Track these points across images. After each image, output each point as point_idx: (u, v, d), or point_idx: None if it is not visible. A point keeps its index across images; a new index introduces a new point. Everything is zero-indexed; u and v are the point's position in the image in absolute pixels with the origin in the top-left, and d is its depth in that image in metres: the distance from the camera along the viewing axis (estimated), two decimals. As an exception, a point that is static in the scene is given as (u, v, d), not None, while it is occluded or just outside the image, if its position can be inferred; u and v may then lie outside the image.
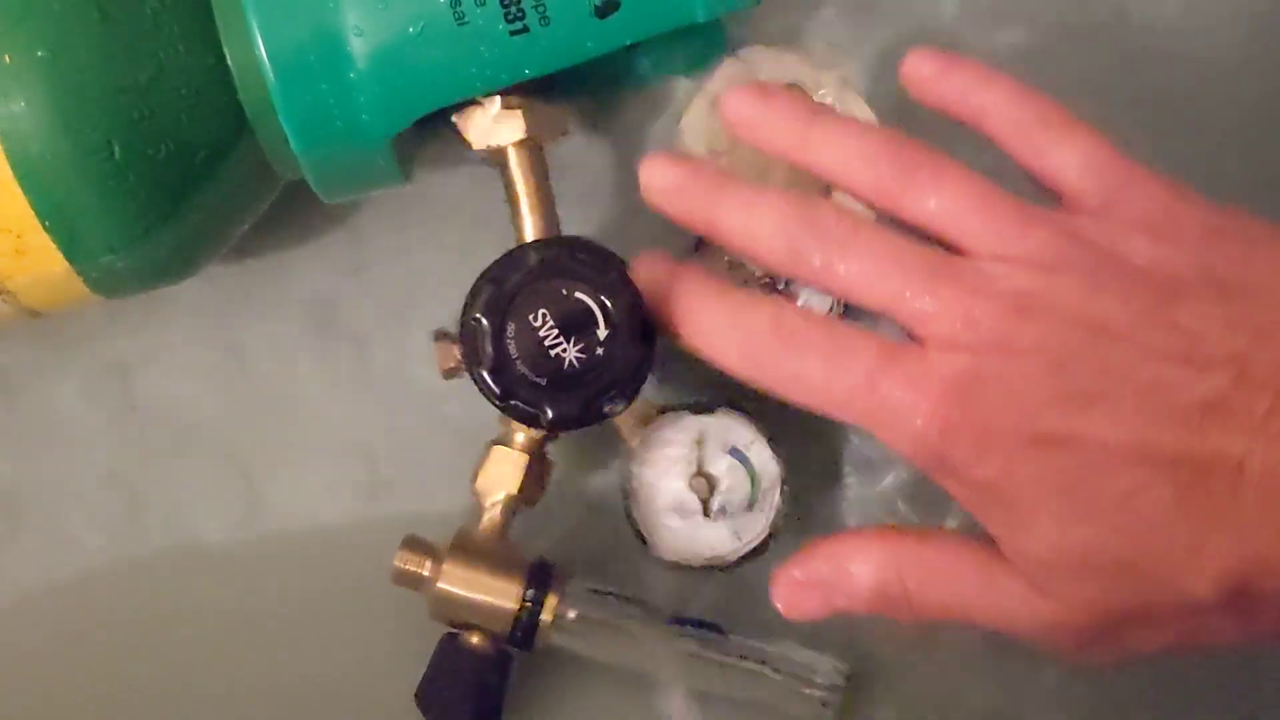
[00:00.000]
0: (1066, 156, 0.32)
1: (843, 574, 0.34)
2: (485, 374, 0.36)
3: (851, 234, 0.32)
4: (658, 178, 0.35)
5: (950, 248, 0.32)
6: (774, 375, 0.32)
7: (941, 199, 0.32)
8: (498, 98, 0.40)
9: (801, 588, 0.34)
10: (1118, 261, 0.31)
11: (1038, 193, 0.33)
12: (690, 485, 0.41)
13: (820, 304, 0.41)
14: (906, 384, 0.31)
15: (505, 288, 0.36)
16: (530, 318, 0.36)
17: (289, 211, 0.44)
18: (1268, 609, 0.30)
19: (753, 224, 0.33)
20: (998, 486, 0.30)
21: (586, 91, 0.44)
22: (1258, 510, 0.29)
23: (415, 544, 0.41)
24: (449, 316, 0.39)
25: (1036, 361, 0.30)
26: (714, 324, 0.33)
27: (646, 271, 0.35)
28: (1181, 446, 0.29)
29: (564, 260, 0.36)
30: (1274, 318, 0.30)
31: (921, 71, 0.34)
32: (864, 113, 0.41)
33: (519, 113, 0.40)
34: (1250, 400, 0.29)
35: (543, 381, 0.36)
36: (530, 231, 0.40)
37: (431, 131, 0.40)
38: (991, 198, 0.32)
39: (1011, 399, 0.30)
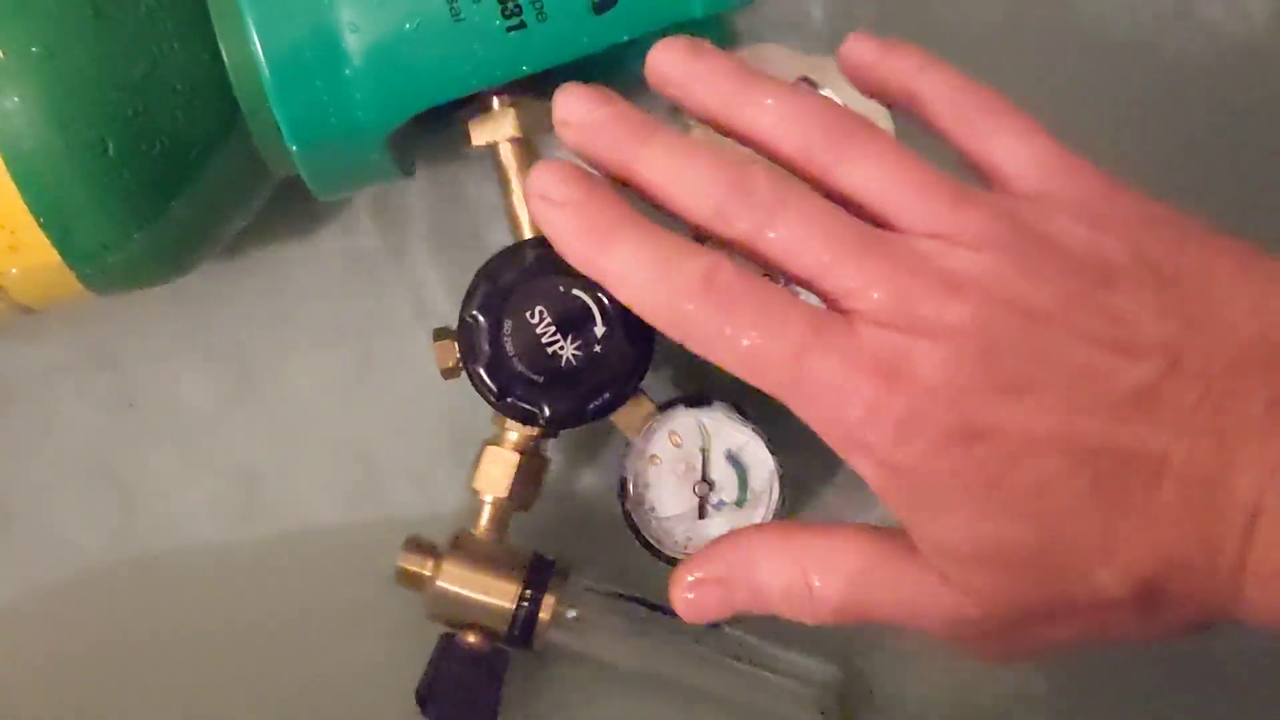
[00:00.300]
0: (1005, 142, 0.32)
1: (745, 573, 0.32)
2: (481, 371, 0.36)
3: (782, 199, 0.30)
4: (576, 111, 0.32)
5: (879, 223, 0.31)
6: (698, 335, 0.30)
7: (873, 170, 0.30)
8: (493, 94, 0.40)
9: (701, 587, 0.33)
10: (1052, 245, 0.30)
11: (972, 179, 0.32)
12: (689, 483, 0.41)
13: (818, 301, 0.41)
14: (833, 359, 0.29)
15: (501, 284, 0.36)
16: (527, 315, 0.36)
17: (285, 208, 0.44)
18: (1175, 607, 0.29)
19: (679, 177, 0.31)
20: (915, 473, 0.29)
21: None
22: (1174, 506, 0.28)
23: (418, 544, 0.41)
24: (449, 315, 0.39)
25: (966, 344, 0.29)
26: (634, 269, 0.31)
27: (556, 188, 0.31)
28: (1106, 436, 0.28)
29: (559, 257, 0.36)
30: (1206, 308, 0.29)
31: (860, 57, 0.33)
32: (869, 105, 0.41)
33: (513, 110, 0.40)
34: (1180, 391, 0.28)
35: (540, 379, 0.36)
36: (526, 229, 0.40)
37: (428, 127, 0.40)
38: (925, 173, 0.30)
39: (938, 383, 0.29)
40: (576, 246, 0.31)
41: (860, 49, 0.33)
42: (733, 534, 0.33)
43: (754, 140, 0.32)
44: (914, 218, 0.30)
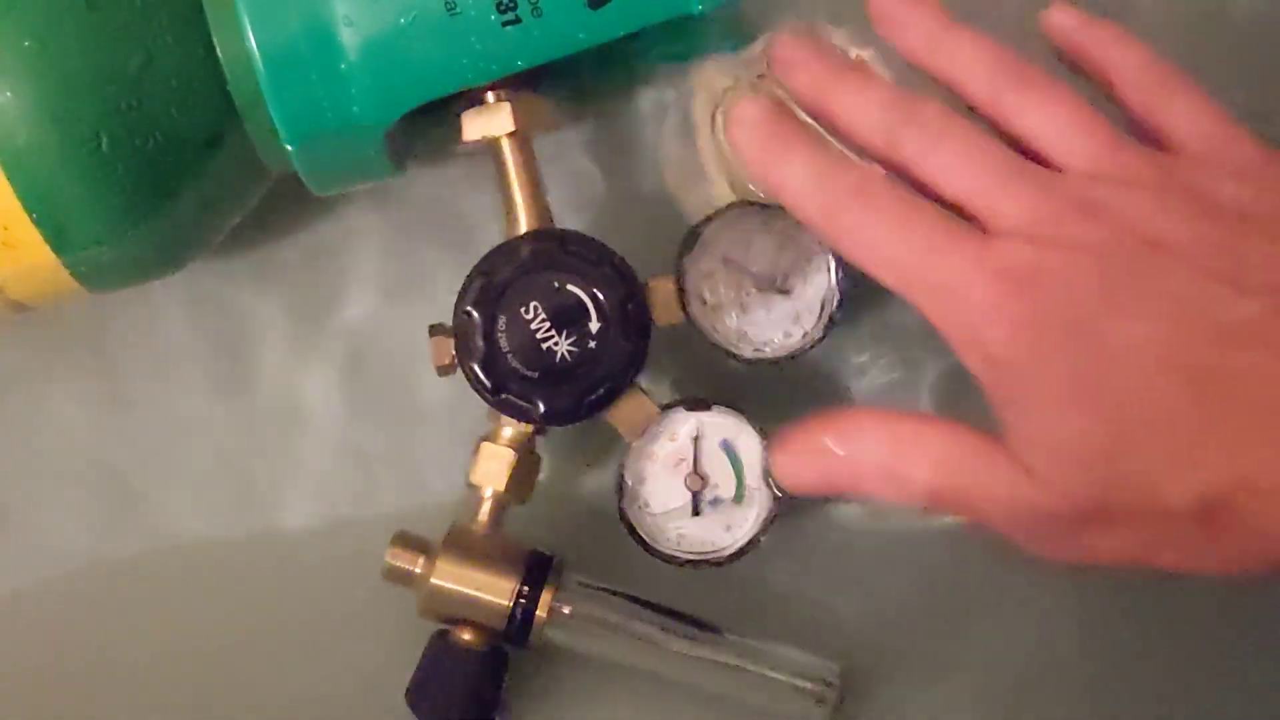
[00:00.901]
0: (1178, 111, 0.35)
1: (845, 447, 0.35)
2: (476, 368, 0.36)
3: (948, 129, 0.34)
4: (786, 51, 0.37)
5: (1041, 164, 0.34)
6: (844, 233, 0.34)
7: (1050, 113, 0.34)
8: (489, 90, 0.40)
9: (801, 456, 0.35)
10: (1196, 193, 0.33)
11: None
12: (686, 482, 0.41)
13: (816, 291, 0.41)
14: (966, 261, 0.32)
15: (496, 280, 0.36)
16: (522, 311, 0.36)
17: (280, 204, 0.44)
18: (1237, 531, 0.31)
19: (860, 106, 0.35)
20: (1021, 371, 0.32)
21: (579, 83, 0.44)
22: (1261, 429, 0.30)
23: (406, 539, 0.41)
24: (444, 312, 0.39)
25: (1093, 262, 0.32)
26: (802, 176, 0.35)
27: (752, 112, 0.36)
28: (1205, 359, 0.31)
29: (555, 252, 0.36)
30: None
31: (1063, 24, 0.37)
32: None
33: (509, 105, 0.40)
34: None
35: (534, 375, 0.36)
36: (522, 224, 0.40)
37: (424, 123, 0.40)
38: (1097, 120, 0.34)
39: (1058, 293, 0.32)
40: (759, 156, 0.36)
41: (1063, 18, 0.37)
42: (833, 412, 0.36)
43: (949, 78, 0.36)
44: (1077, 157, 0.33)
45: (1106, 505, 0.31)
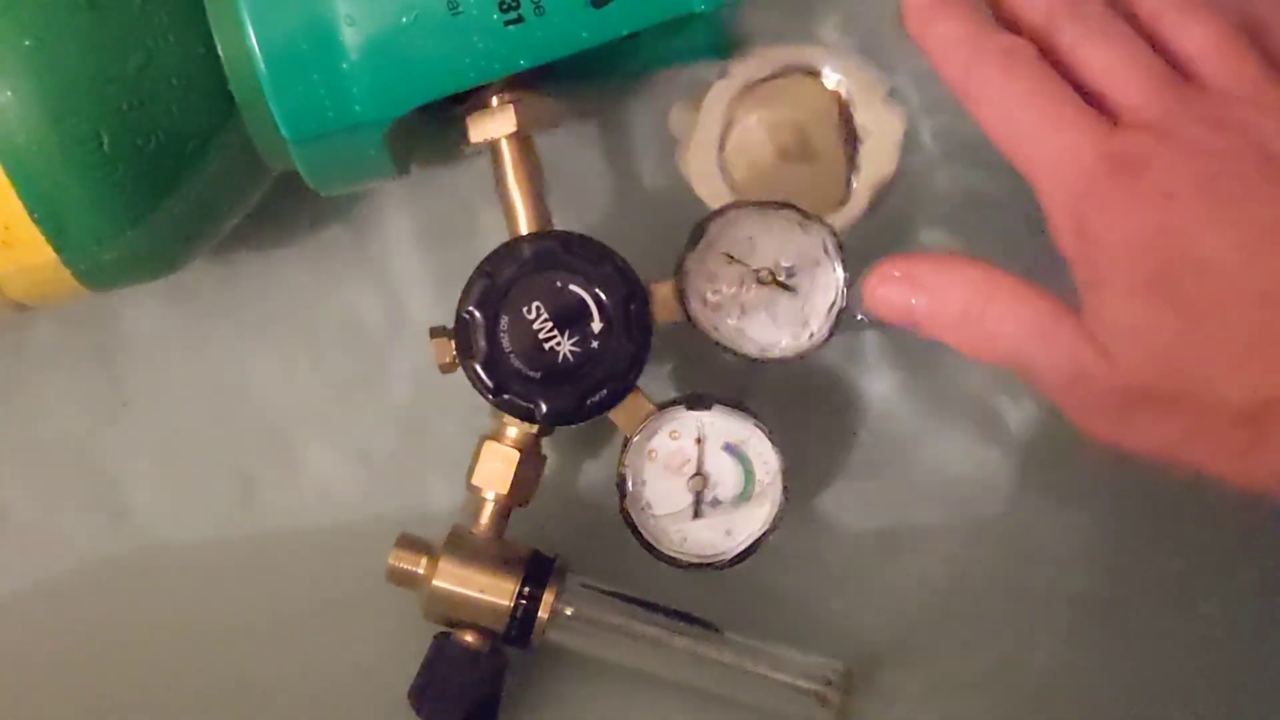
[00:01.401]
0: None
1: (935, 283, 0.36)
2: (478, 367, 0.36)
3: (1107, 24, 0.36)
4: None
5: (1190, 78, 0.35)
6: (979, 90, 0.36)
7: (1207, 34, 0.35)
8: (491, 92, 0.40)
9: (892, 285, 0.36)
10: None
11: None
12: (688, 483, 0.41)
13: (823, 301, 0.41)
14: (1085, 139, 0.34)
15: (499, 281, 0.36)
16: (524, 310, 0.36)
17: (281, 204, 0.44)
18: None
19: None
20: (1114, 253, 0.33)
21: (581, 84, 0.43)
22: None
23: (410, 542, 0.41)
24: (445, 312, 0.39)
25: (1205, 163, 0.33)
26: (953, 31, 0.36)
27: None
28: None
29: (558, 252, 0.36)
30: None
31: None
32: (882, 96, 0.42)
33: (511, 106, 0.40)
34: None
35: (537, 375, 0.36)
36: (523, 225, 0.39)
37: (425, 123, 0.40)
38: (1248, 51, 0.35)
39: (1167, 184, 0.33)
40: (917, 14, 0.37)
41: None
42: (933, 252, 0.37)
43: None
44: (1222, 79, 0.35)
45: (1165, 390, 0.33)
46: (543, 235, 0.38)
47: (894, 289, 0.37)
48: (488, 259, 0.37)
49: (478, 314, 0.36)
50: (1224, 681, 0.44)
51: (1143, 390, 0.33)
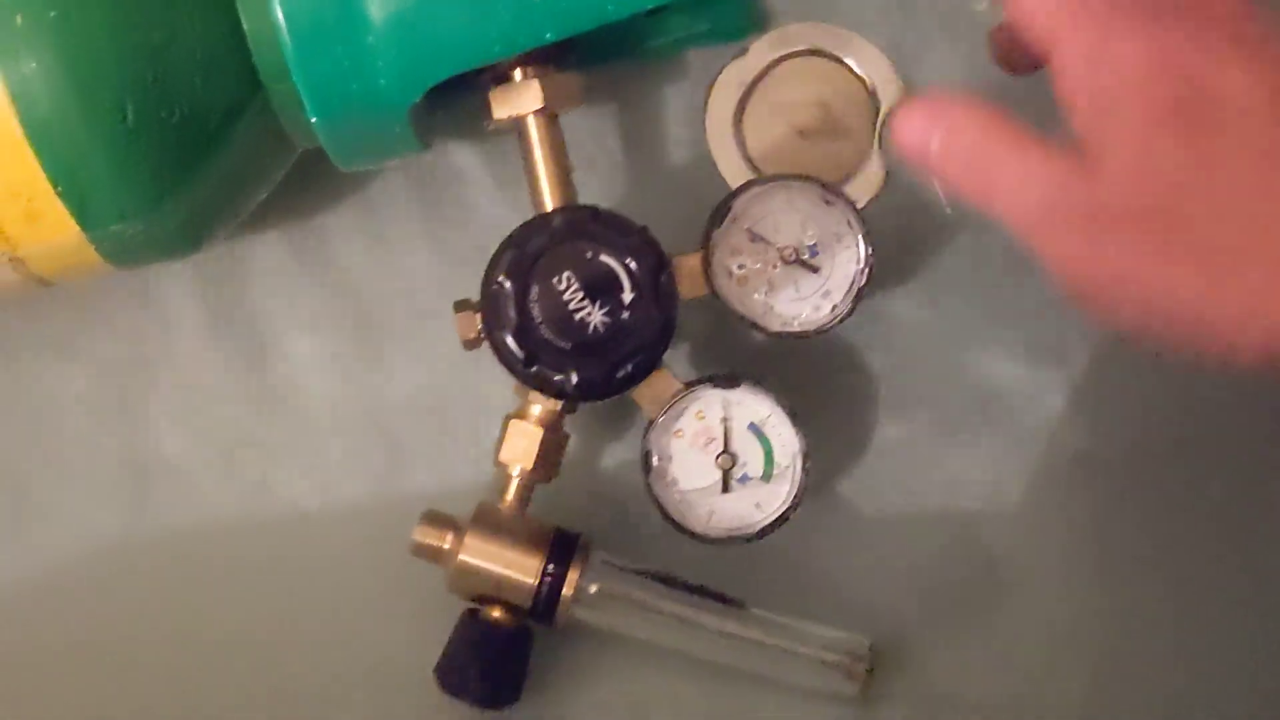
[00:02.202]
0: None
1: (956, 120, 0.34)
2: (508, 338, 0.36)
3: None
4: None
5: None
6: None
7: None
8: (516, 67, 0.40)
9: (916, 119, 0.34)
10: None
11: None
12: (716, 462, 0.40)
13: (845, 276, 0.41)
14: (1092, 25, 0.33)
15: (528, 250, 0.36)
16: (554, 281, 0.36)
17: (303, 182, 0.43)
18: (1243, 290, 0.31)
19: None
20: (1135, 85, 0.32)
21: (607, 61, 0.43)
22: None
23: (435, 518, 0.41)
24: (468, 288, 0.39)
25: (1233, 10, 0.32)
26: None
27: None
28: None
29: (587, 223, 0.36)
30: None
31: None
32: (888, 77, 0.42)
33: (536, 82, 0.39)
34: None
35: (567, 346, 0.36)
36: (549, 201, 0.39)
37: (449, 98, 0.40)
38: None
39: (1195, 30, 0.32)
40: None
41: None
42: (964, 96, 0.35)
43: None
44: None
45: (1151, 210, 0.32)
46: (571, 207, 0.38)
47: (915, 126, 0.35)
48: (516, 232, 0.37)
49: (508, 284, 0.36)
50: (1228, 653, 0.44)
51: (1130, 207, 0.32)
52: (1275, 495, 0.45)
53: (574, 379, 0.36)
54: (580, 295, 0.36)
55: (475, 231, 0.45)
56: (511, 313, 0.36)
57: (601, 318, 0.36)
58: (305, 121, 0.38)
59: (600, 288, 0.36)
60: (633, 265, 0.35)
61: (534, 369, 0.36)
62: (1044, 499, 0.45)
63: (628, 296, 0.36)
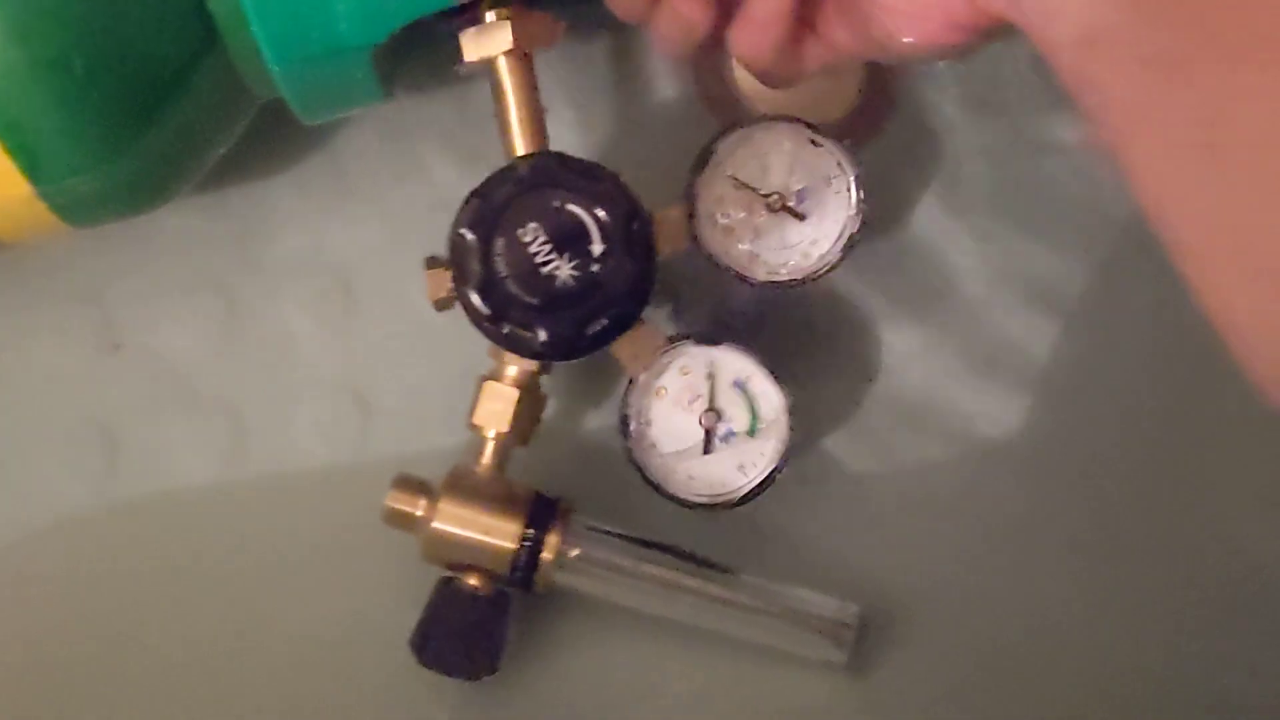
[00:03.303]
0: None
1: None
2: (473, 295, 0.34)
3: None
4: None
5: None
6: None
7: None
8: (485, 7, 0.38)
9: None
10: None
11: None
12: (701, 420, 0.39)
13: (835, 221, 0.39)
14: None
15: (493, 201, 0.34)
16: (520, 233, 0.34)
17: (267, 137, 0.42)
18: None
19: None
20: None
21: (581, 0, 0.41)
22: None
23: (407, 482, 0.39)
24: (441, 246, 0.37)
25: None
26: None
27: None
28: None
29: (555, 170, 0.34)
30: None
31: None
32: None
33: (507, 22, 0.38)
34: None
35: (535, 301, 0.34)
36: (520, 145, 0.38)
37: (416, 42, 0.38)
38: None
39: None
40: None
41: None
42: None
43: None
44: None
45: None
46: (538, 155, 0.36)
47: None
48: (484, 182, 0.35)
49: (470, 236, 0.34)
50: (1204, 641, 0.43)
51: None
52: None
53: (542, 336, 0.34)
54: (548, 247, 0.34)
55: (447, 179, 0.43)
56: (476, 266, 0.34)
57: (570, 271, 0.34)
58: (264, 71, 0.37)
59: (568, 239, 0.34)
60: (602, 215, 0.34)
61: (501, 326, 0.34)
62: (1045, 462, 0.43)
63: (597, 248, 0.34)
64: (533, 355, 0.36)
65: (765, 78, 0.35)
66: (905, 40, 0.32)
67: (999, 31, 0.31)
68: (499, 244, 0.34)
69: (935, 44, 0.32)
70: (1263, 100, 0.27)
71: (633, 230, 0.33)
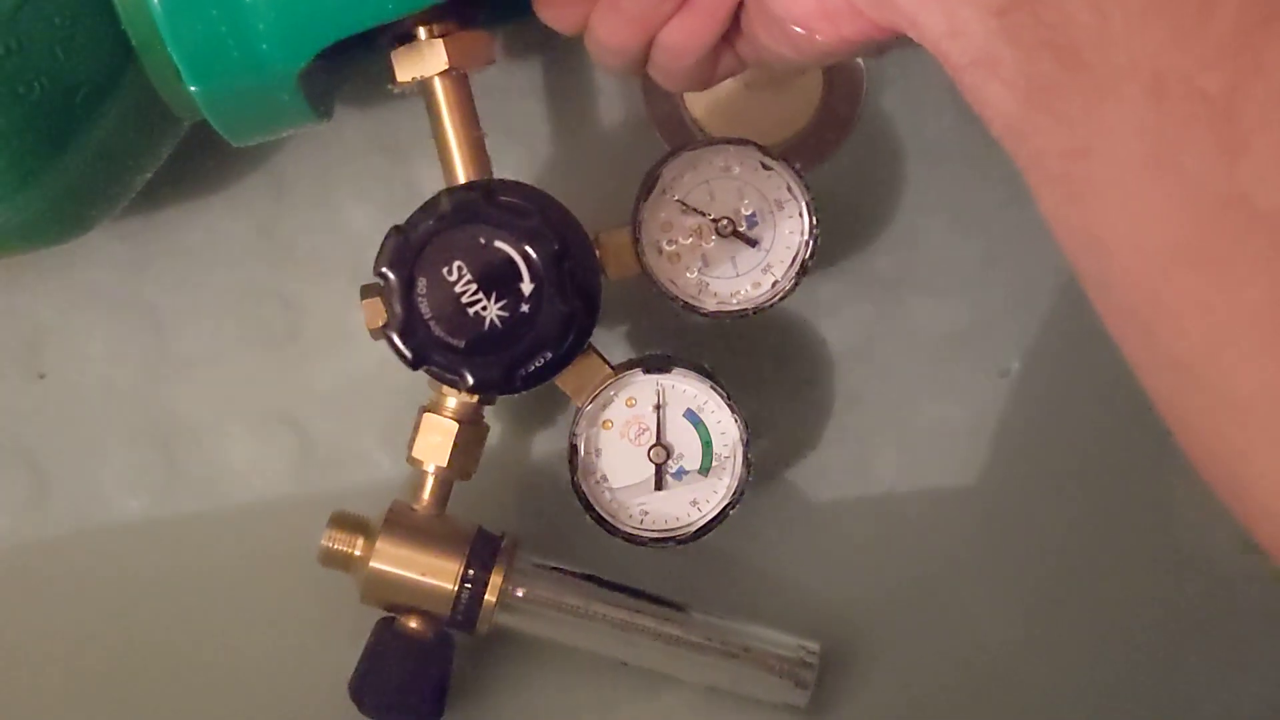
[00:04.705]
0: None
1: None
2: (394, 336, 0.32)
3: None
4: None
5: None
6: None
7: None
8: (419, 25, 0.36)
9: None
10: None
11: None
12: (649, 455, 0.37)
13: (787, 247, 0.37)
14: None
15: (413, 238, 0.32)
16: (444, 271, 0.32)
17: (201, 157, 0.40)
18: None
19: None
20: None
21: (519, 18, 0.39)
22: None
23: (344, 520, 0.38)
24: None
25: None
26: None
27: None
28: None
29: (480, 204, 0.32)
30: None
31: None
32: None
33: (440, 41, 0.36)
34: None
35: (460, 344, 0.32)
36: (459, 170, 0.36)
37: (348, 61, 0.36)
38: None
39: None
40: None
41: None
42: None
43: None
44: None
45: None
46: (464, 186, 0.34)
47: None
48: (408, 218, 0.33)
49: (391, 276, 0.32)
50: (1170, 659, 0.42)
51: None
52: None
53: (470, 379, 0.32)
54: (474, 287, 0.32)
55: (387, 200, 0.41)
56: (397, 307, 0.32)
57: (498, 312, 0.32)
58: (185, 92, 0.35)
59: (495, 278, 0.32)
60: (531, 252, 0.32)
61: (426, 368, 0.32)
62: (1004, 488, 0.42)
63: (526, 287, 0.32)
64: (467, 391, 0.34)
65: (675, 80, 0.33)
66: (799, 32, 0.31)
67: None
68: (421, 284, 0.32)
69: (831, 49, 0.31)
70: (1118, 135, 0.26)
71: (564, 268, 0.31)
